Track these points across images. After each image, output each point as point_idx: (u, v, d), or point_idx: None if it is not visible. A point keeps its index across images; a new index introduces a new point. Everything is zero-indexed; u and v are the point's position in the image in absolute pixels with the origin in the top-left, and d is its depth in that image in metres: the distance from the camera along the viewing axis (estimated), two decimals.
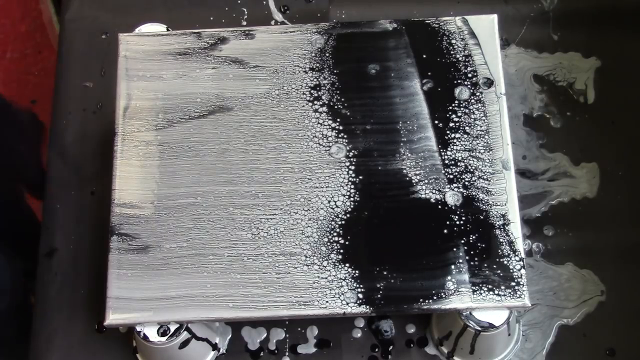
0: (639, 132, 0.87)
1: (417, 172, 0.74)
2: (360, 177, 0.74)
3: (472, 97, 0.76)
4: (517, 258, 0.71)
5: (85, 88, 0.92)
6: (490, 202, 0.72)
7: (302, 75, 0.78)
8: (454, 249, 0.71)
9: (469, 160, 0.74)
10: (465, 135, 0.75)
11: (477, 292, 0.70)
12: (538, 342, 0.80)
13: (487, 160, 0.74)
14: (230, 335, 0.81)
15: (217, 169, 0.75)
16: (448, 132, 0.75)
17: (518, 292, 0.70)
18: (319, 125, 0.76)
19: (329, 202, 0.73)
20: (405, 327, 0.81)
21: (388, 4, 0.93)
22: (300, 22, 0.92)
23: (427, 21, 0.79)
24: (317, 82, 0.77)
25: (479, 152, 0.74)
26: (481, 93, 0.76)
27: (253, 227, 0.73)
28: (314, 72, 0.78)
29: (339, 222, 0.72)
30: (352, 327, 0.81)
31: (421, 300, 0.70)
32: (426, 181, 0.73)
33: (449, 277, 0.70)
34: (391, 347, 0.80)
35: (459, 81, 0.77)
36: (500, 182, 0.73)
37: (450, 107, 0.76)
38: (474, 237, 0.71)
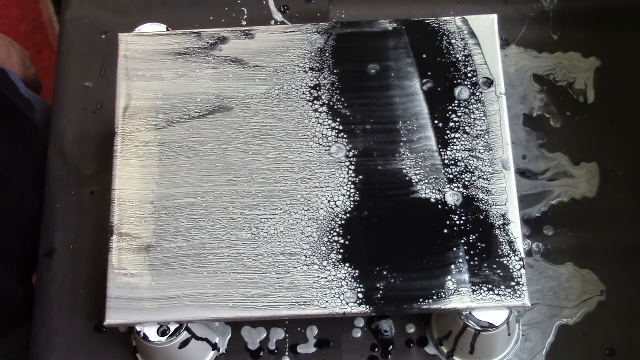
0: (639, 132, 0.87)
1: (417, 172, 0.74)
2: (360, 177, 0.74)
3: (472, 97, 0.76)
4: (517, 258, 0.71)
5: (85, 88, 0.92)
6: (490, 202, 0.72)
7: (302, 75, 0.78)
8: (454, 249, 0.71)
9: (469, 160, 0.74)
10: (465, 135, 0.75)
11: (477, 292, 0.70)
12: (538, 342, 0.80)
13: (487, 160, 0.74)
14: (230, 335, 0.81)
15: (217, 169, 0.75)
16: (448, 132, 0.75)
17: (518, 292, 0.70)
18: (319, 125, 0.76)
19: (329, 202, 0.73)
20: (405, 327, 0.81)
21: (388, 4, 0.93)
22: (300, 22, 0.92)
23: (427, 21, 0.79)
24: (317, 82, 0.77)
25: (479, 152, 0.74)
26: (481, 93, 0.76)
27: (253, 227, 0.73)
28: (314, 72, 0.78)
29: (339, 222, 0.73)
30: (352, 327, 0.81)
31: (421, 300, 0.70)
32: (426, 181, 0.73)
33: (449, 277, 0.70)
34: (391, 347, 0.80)
35: (459, 81, 0.77)
36: (500, 182, 0.73)
37: (450, 107, 0.76)
38: (474, 237, 0.71)
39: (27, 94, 0.96)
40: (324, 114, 0.76)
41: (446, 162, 0.74)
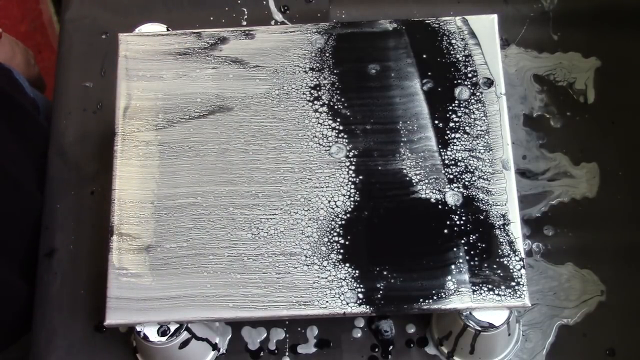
0: (639, 132, 0.87)
1: (417, 172, 0.74)
2: (360, 177, 0.74)
3: (472, 97, 0.76)
4: (517, 258, 0.71)
5: (85, 88, 0.92)
6: (490, 202, 0.72)
7: (302, 75, 0.78)
8: (454, 249, 0.71)
9: (469, 160, 0.74)
10: (465, 135, 0.75)
11: (477, 292, 0.70)
12: (538, 342, 0.80)
13: (487, 160, 0.74)
14: (230, 335, 0.81)
15: (217, 169, 0.75)
16: (448, 132, 0.75)
17: (518, 292, 0.70)
18: (319, 125, 0.76)
19: (329, 202, 0.73)
20: (405, 327, 0.81)
21: (388, 4, 0.93)
22: (300, 22, 0.92)
23: (427, 21, 0.79)
24: (317, 82, 0.77)
25: (479, 152, 0.74)
26: (481, 93, 0.76)
27: (253, 227, 0.73)
28: (314, 72, 0.78)
29: (339, 222, 0.73)
30: (352, 327, 0.81)
31: (421, 300, 0.70)
32: (426, 181, 0.73)
33: (449, 277, 0.70)
34: (391, 347, 0.80)
35: (459, 81, 0.77)
36: (500, 182, 0.73)
37: (450, 107, 0.76)
38: (474, 237, 0.71)
39: (32, 93, 0.96)
40: (324, 114, 0.76)
41: (446, 162, 0.74)
